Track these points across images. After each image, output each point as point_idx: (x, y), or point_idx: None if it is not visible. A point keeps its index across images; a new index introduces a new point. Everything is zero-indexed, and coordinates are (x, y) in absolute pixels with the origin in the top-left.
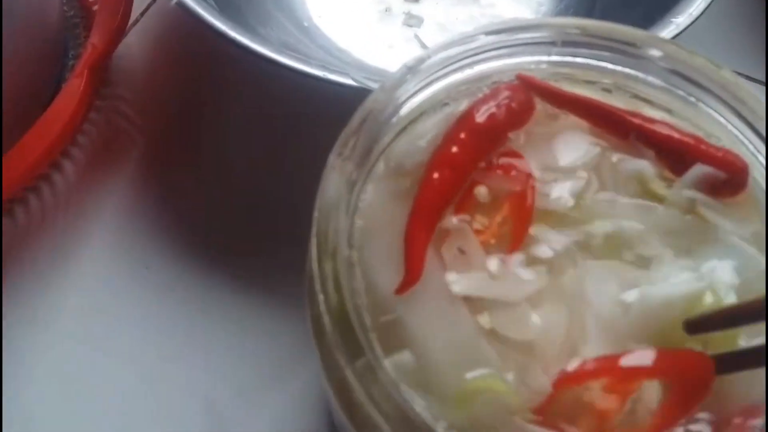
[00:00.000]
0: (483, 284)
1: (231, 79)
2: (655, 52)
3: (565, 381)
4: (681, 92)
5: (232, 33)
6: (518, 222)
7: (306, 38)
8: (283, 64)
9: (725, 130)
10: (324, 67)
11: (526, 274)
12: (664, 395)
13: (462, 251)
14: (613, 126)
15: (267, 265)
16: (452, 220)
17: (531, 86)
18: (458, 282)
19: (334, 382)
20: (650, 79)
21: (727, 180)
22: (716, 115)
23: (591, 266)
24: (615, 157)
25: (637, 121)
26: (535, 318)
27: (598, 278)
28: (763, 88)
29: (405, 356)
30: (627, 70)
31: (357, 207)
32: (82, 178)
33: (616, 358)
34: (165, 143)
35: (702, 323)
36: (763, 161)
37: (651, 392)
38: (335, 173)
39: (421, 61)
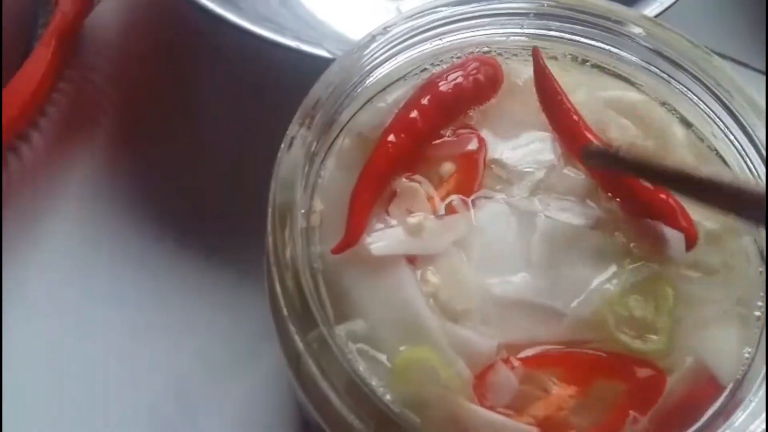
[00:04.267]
0: (399, 241)
1: (205, 49)
2: (636, 30)
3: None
4: (658, 71)
5: (207, 2)
6: (465, 183)
7: (285, 10)
8: (257, 34)
9: (699, 112)
10: (297, 38)
11: (445, 224)
12: (614, 399)
13: (410, 211)
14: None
15: (239, 241)
16: (403, 183)
17: (535, 62)
18: (376, 242)
19: (289, 356)
20: (628, 56)
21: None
22: (692, 95)
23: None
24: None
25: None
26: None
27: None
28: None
29: (356, 325)
30: (603, 46)
31: (317, 180)
32: (51, 149)
33: (575, 353)
34: (136, 114)
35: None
36: (737, 145)
37: (603, 392)
38: (294, 144)
39: (386, 29)
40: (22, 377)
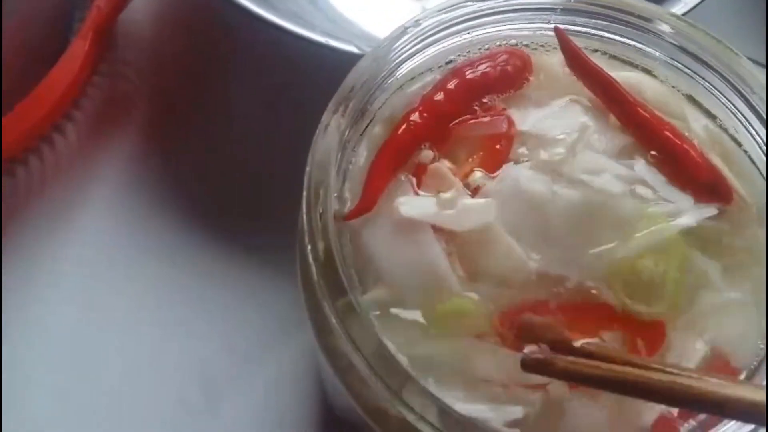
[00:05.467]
0: (430, 210)
1: (236, 45)
2: (664, 27)
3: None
4: (681, 66)
5: None
6: (492, 161)
7: (313, 8)
8: (288, 30)
9: (724, 110)
10: (327, 34)
11: (475, 203)
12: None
13: (440, 192)
14: (620, 113)
15: (266, 233)
16: (428, 155)
17: (561, 41)
18: (406, 204)
19: (318, 326)
20: (652, 51)
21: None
22: (715, 90)
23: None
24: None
25: (644, 114)
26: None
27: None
28: (763, 70)
29: (381, 292)
30: (629, 41)
31: (349, 166)
32: (85, 141)
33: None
34: (168, 109)
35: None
36: (760, 141)
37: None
38: (329, 130)
39: (417, 22)
40: (54, 366)
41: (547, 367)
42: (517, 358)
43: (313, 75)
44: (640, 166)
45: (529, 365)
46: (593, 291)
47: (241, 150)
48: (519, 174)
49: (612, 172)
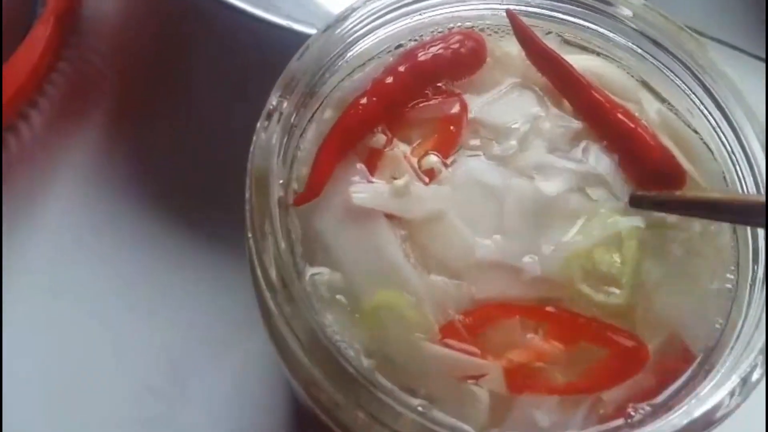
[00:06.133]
0: (383, 197)
1: (202, 29)
2: (625, 11)
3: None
4: (646, 54)
5: None
6: (445, 144)
7: None
8: (250, 13)
9: (680, 94)
10: (289, 17)
11: (429, 191)
12: (594, 362)
13: (394, 178)
14: (573, 97)
15: (233, 220)
16: (380, 139)
17: (514, 24)
18: (360, 192)
19: (264, 315)
20: (614, 36)
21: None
22: (679, 82)
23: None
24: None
25: (597, 98)
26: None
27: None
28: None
29: (332, 276)
30: (583, 23)
31: (297, 152)
32: (50, 129)
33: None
34: (136, 94)
35: (647, 201)
36: (714, 125)
37: (584, 354)
38: (273, 115)
39: (365, 3)
40: (19, 354)
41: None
42: (454, 357)
43: (277, 58)
44: (593, 158)
45: (636, 200)
46: (554, 288)
47: (207, 135)
48: (473, 166)
49: (563, 166)
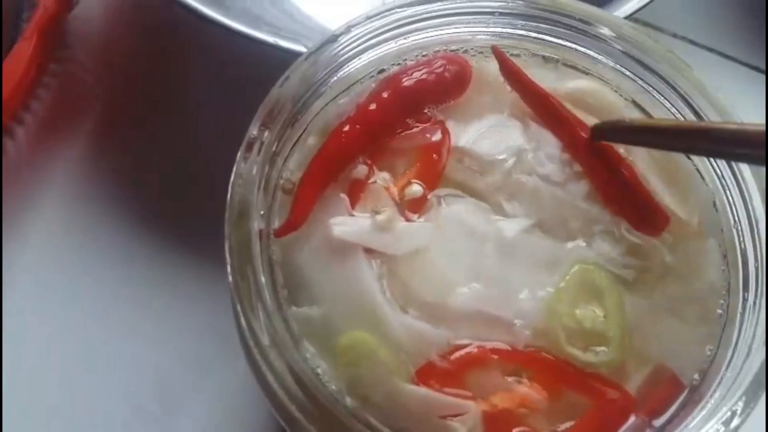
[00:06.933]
0: (364, 231)
1: (189, 45)
2: (604, 30)
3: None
4: (628, 72)
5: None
6: (428, 173)
7: (271, 5)
8: (235, 30)
9: (665, 110)
10: (276, 34)
11: (411, 227)
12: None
13: (376, 212)
14: (559, 131)
15: (221, 238)
16: (362, 170)
17: (500, 60)
18: (341, 225)
19: (245, 348)
20: (599, 57)
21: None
22: (661, 98)
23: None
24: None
25: (581, 136)
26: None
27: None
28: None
29: (310, 311)
30: (569, 45)
31: (280, 181)
32: (35, 144)
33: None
34: (120, 109)
35: (609, 130)
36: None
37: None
38: (254, 144)
39: (348, 29)
40: (6, 374)
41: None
42: (431, 396)
43: (263, 74)
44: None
45: (603, 130)
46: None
47: (194, 152)
48: (456, 206)
49: (547, 205)
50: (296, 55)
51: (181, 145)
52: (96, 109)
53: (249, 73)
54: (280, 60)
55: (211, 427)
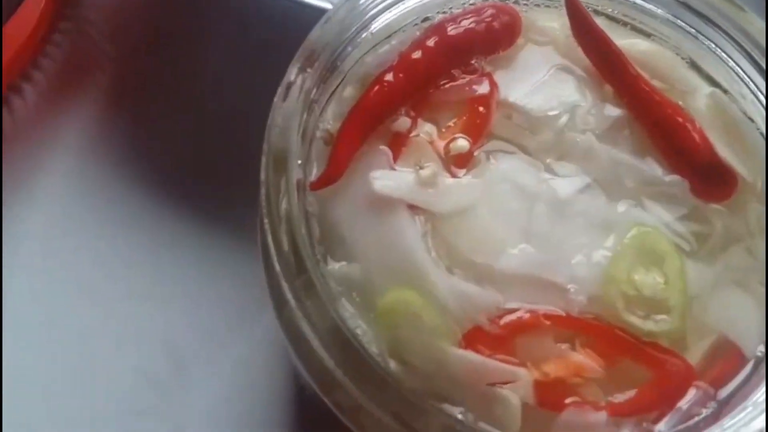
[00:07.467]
0: (408, 187)
1: (207, 1)
2: None
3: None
4: (685, 25)
5: None
6: (474, 127)
7: None
8: None
9: (729, 74)
10: None
11: (458, 183)
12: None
13: (420, 166)
14: (618, 85)
15: (239, 202)
16: (405, 122)
17: (573, 9)
18: (382, 179)
19: (277, 303)
20: (653, 8)
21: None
22: (721, 52)
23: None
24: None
25: (645, 88)
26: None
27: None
28: None
29: (350, 269)
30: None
31: (316, 131)
32: (44, 102)
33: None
34: (133, 70)
35: None
36: (763, 101)
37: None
38: (292, 89)
39: None
40: (15, 336)
41: None
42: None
43: (286, 32)
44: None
45: None
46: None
47: (209, 112)
48: (505, 161)
49: (601, 165)
50: (320, 11)
51: (195, 105)
52: (107, 67)
53: (278, 33)
54: (312, 20)
55: (222, 397)
